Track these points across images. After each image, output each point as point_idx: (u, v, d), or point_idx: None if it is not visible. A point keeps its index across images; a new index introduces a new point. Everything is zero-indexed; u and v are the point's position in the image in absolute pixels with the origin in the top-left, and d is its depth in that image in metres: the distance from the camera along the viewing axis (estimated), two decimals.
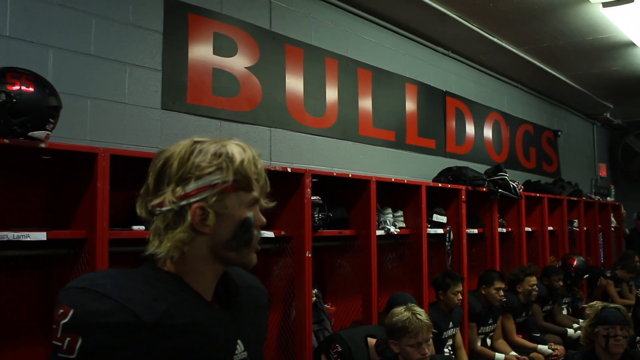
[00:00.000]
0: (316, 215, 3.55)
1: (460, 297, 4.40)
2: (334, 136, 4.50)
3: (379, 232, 4.07)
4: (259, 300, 1.46)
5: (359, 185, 3.95)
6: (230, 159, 1.25)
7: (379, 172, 4.71)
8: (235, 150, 1.27)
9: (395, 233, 4.22)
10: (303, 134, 4.21)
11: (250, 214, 1.29)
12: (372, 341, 3.38)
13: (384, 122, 5.04)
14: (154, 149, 3.22)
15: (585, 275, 6.61)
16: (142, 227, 2.79)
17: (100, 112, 3.04)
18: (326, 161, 4.35)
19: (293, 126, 4.15)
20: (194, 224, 1.23)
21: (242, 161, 1.26)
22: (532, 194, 6.42)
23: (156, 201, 1.24)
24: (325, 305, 3.99)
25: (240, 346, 1.33)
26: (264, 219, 1.33)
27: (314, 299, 3.64)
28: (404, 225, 4.41)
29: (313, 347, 3.50)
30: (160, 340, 1.16)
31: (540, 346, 5.14)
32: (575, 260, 6.57)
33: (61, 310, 1.13)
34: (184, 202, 1.23)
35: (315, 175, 3.56)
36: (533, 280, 5.33)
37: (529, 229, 6.34)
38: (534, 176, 7.61)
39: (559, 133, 8.63)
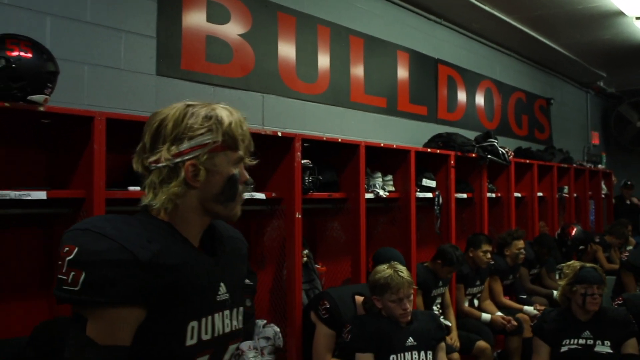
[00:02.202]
0: (306, 178, 3.65)
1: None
2: (326, 102, 4.59)
3: (368, 195, 4.19)
4: (240, 250, 1.62)
5: (348, 149, 4.06)
6: (219, 121, 1.40)
7: (370, 137, 4.81)
8: (224, 113, 1.41)
9: (384, 196, 4.34)
10: (295, 100, 4.31)
11: (236, 171, 1.44)
12: (359, 299, 3.52)
13: (376, 89, 5.13)
14: (149, 114, 3.31)
15: (581, 247, 6.73)
16: (138, 188, 2.90)
17: (97, 78, 3.14)
18: (318, 127, 4.45)
19: (285, 92, 4.24)
20: (187, 179, 1.38)
21: (230, 123, 1.41)
22: (522, 161, 6.53)
23: (152, 158, 1.38)
24: (316, 266, 4.12)
25: (222, 288, 1.48)
26: (247, 175, 1.48)
27: (305, 259, 3.76)
28: (393, 189, 4.53)
29: (303, 304, 3.64)
30: (153, 277, 1.29)
31: (525, 307, 5.30)
32: (574, 229, 6.69)
33: (66, 249, 1.28)
34: (178, 160, 1.38)
35: (306, 139, 3.67)
36: (520, 243, 5.46)
37: (519, 195, 6.46)
38: (525, 143, 7.71)
39: (552, 101, 8.69)
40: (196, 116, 1.39)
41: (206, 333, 1.40)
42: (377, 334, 3.06)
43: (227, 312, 1.49)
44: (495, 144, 5.68)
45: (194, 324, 1.38)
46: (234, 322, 1.52)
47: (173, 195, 1.39)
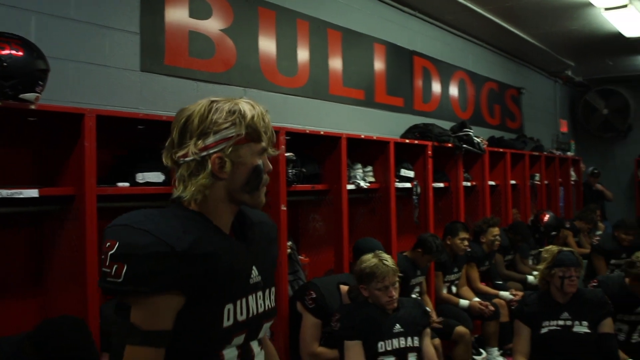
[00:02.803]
0: (290, 171, 3.71)
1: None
2: (306, 95, 4.64)
3: (350, 187, 4.26)
4: (270, 234, 1.71)
5: (330, 141, 4.12)
6: (242, 115, 1.48)
7: (349, 129, 4.87)
8: (246, 107, 1.50)
9: (365, 187, 4.41)
10: (276, 94, 4.34)
11: (259, 162, 1.53)
12: (344, 288, 3.59)
13: (354, 81, 5.19)
14: (134, 110, 3.34)
15: (553, 232, 6.89)
16: (126, 184, 2.95)
17: (82, 75, 3.14)
18: (298, 119, 4.50)
19: (266, 86, 4.28)
20: (214, 171, 1.47)
21: (252, 117, 1.49)
22: (496, 149, 6.66)
23: (181, 152, 1.48)
24: (299, 257, 4.18)
25: (254, 271, 1.57)
26: (270, 166, 1.58)
27: (289, 250, 3.81)
28: (373, 179, 4.61)
29: (288, 295, 3.70)
30: (190, 265, 1.39)
31: (502, 292, 5.43)
32: (547, 216, 6.84)
33: (108, 243, 1.37)
34: (204, 153, 1.46)
35: (289, 132, 3.72)
36: (495, 231, 5.59)
37: (493, 183, 6.60)
38: (498, 132, 7.83)
39: (523, 90, 8.84)
40: (220, 111, 1.48)
41: (241, 314, 1.51)
42: (365, 322, 3.13)
43: (259, 293, 1.58)
44: (471, 133, 5.78)
45: (230, 306, 1.48)
46: (267, 302, 1.61)
47: (202, 186, 1.47)
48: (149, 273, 1.35)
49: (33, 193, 2.54)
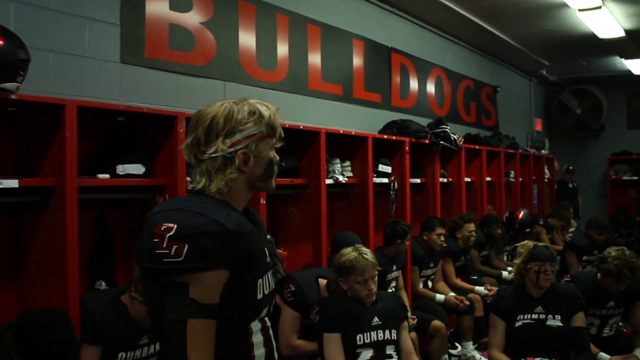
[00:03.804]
0: None
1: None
2: (285, 90, 4.67)
3: (328, 181, 4.29)
4: (261, 221, 1.88)
5: (309, 136, 4.15)
6: (261, 115, 1.69)
7: (327, 124, 4.89)
8: (262, 108, 1.71)
9: (344, 182, 4.44)
10: (256, 88, 4.35)
11: (273, 154, 1.75)
12: (322, 281, 3.62)
13: (332, 77, 5.22)
14: (114, 101, 3.34)
15: (528, 229, 7.00)
16: (107, 175, 2.94)
17: (62, 66, 3.13)
18: (278, 114, 4.50)
19: (246, 80, 4.29)
20: (239, 165, 1.67)
21: (269, 116, 1.71)
22: (472, 146, 6.74)
23: (210, 150, 1.65)
24: (278, 251, 4.20)
25: (266, 251, 1.77)
26: (277, 157, 1.78)
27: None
28: (351, 174, 4.64)
29: None
30: (237, 243, 1.56)
31: (477, 287, 5.52)
32: (521, 213, 6.96)
33: (164, 226, 1.53)
34: (232, 149, 1.65)
35: None
36: (471, 227, 5.67)
37: (469, 180, 6.68)
38: (474, 129, 7.92)
39: (498, 89, 8.95)
40: (242, 112, 1.67)
41: (266, 289, 1.71)
42: (344, 315, 3.17)
43: (270, 272, 1.77)
44: (447, 130, 5.85)
45: (261, 281, 1.68)
46: (272, 281, 1.80)
47: (230, 180, 1.66)
48: (207, 250, 1.51)
49: (13, 183, 2.53)
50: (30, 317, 2.35)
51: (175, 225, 1.51)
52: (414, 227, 5.14)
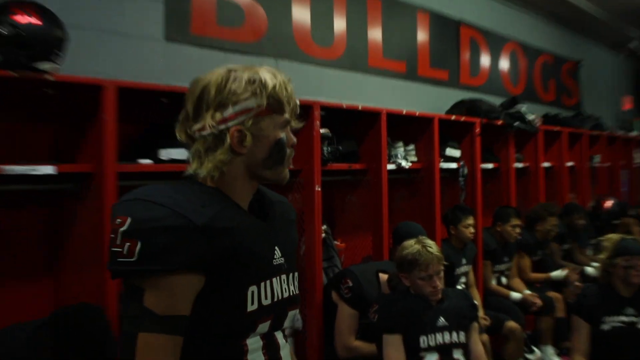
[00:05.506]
0: (325, 149, 3.66)
1: (473, 231, 4.58)
2: (343, 67, 4.58)
3: (390, 166, 4.19)
4: (289, 215, 1.70)
5: (369, 117, 4.06)
6: (263, 84, 1.44)
7: (389, 104, 4.78)
8: (267, 76, 1.46)
9: (407, 167, 4.34)
10: (310, 65, 4.29)
11: (282, 135, 1.50)
12: (383, 276, 3.54)
13: (395, 53, 5.11)
14: (157, 81, 3.32)
15: (615, 220, 6.71)
16: (148, 161, 2.92)
17: (101, 44, 3.13)
18: (335, 93, 4.44)
19: (300, 57, 4.23)
20: (233, 145, 1.44)
21: (274, 86, 1.45)
22: (551, 128, 6.52)
23: (197, 126, 1.45)
24: (335, 242, 4.15)
25: (277, 252, 1.54)
26: (294, 139, 1.54)
27: (323, 235, 3.78)
28: (415, 159, 4.54)
29: (322, 284, 3.66)
30: (210, 241, 1.35)
31: (553, 273, 5.32)
32: (609, 203, 6.69)
33: (118, 220, 1.32)
34: (223, 126, 1.44)
35: (324, 107, 3.66)
36: (554, 220, 5.48)
37: (547, 165, 6.47)
38: (552, 109, 7.69)
39: (581, 64, 8.66)
40: (239, 80, 1.44)
41: (266, 298, 1.47)
42: (406, 314, 3.07)
43: (283, 276, 1.55)
44: (523, 110, 5.67)
45: (254, 288, 1.44)
46: (291, 287, 1.58)
47: (219, 162, 1.44)
48: (165, 249, 1.30)
49: (49, 170, 2.53)
50: (65, 314, 2.35)
51: (129, 219, 1.31)
52: (485, 216, 4.99)
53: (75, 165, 2.69)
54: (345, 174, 4.11)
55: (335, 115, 3.88)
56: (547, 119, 6.94)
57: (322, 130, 3.59)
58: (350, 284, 3.42)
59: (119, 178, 2.68)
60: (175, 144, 3.00)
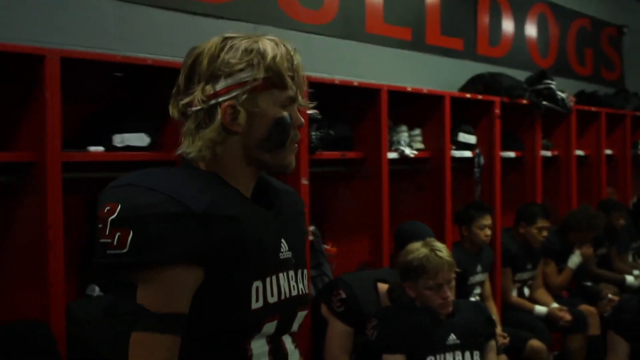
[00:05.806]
0: (313, 134, 3.69)
1: (489, 233, 4.65)
2: (335, 34, 4.63)
3: (392, 155, 4.25)
4: (298, 206, 1.78)
5: (366, 96, 4.10)
6: (261, 55, 1.50)
7: (390, 80, 4.81)
8: (268, 45, 1.51)
9: (412, 156, 4.38)
10: (296, 32, 4.32)
11: (285, 114, 1.55)
12: (383, 286, 3.59)
13: (398, 17, 5.15)
14: (110, 51, 3.35)
15: None
16: (100, 148, 2.95)
17: (42, 7, 3.14)
18: (325, 66, 4.48)
19: (283, 22, 4.26)
20: (225, 122, 1.50)
21: (274, 57, 1.50)
22: (587, 108, 6.57)
23: (186, 100, 1.51)
24: (325, 246, 4.18)
25: (284, 245, 1.62)
26: (302, 119, 1.60)
27: (311, 238, 3.82)
28: (422, 146, 4.58)
29: (311, 296, 3.71)
30: (209, 230, 1.41)
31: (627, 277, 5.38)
32: None
33: (107, 208, 1.39)
34: (213, 101, 1.49)
35: (313, 83, 3.69)
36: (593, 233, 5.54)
37: (581, 153, 6.53)
38: (590, 86, 7.74)
39: (625, 30, 8.69)
40: (235, 49, 1.50)
41: (272, 295, 1.54)
42: (411, 330, 3.13)
43: (291, 272, 1.63)
44: (553, 86, 5.71)
45: (259, 283, 1.51)
46: (300, 286, 1.66)
47: (209, 141, 1.50)
48: (161, 239, 1.37)
49: None
50: (4, 332, 2.39)
51: (120, 206, 1.38)
52: (506, 215, 5.04)
53: (10, 154, 2.70)
54: (337, 164, 4.15)
55: (325, 93, 3.90)
56: (581, 97, 6.97)
57: (309, 112, 3.63)
58: (343, 295, 3.46)
59: (65, 169, 2.70)
60: (132, 127, 3.05)
